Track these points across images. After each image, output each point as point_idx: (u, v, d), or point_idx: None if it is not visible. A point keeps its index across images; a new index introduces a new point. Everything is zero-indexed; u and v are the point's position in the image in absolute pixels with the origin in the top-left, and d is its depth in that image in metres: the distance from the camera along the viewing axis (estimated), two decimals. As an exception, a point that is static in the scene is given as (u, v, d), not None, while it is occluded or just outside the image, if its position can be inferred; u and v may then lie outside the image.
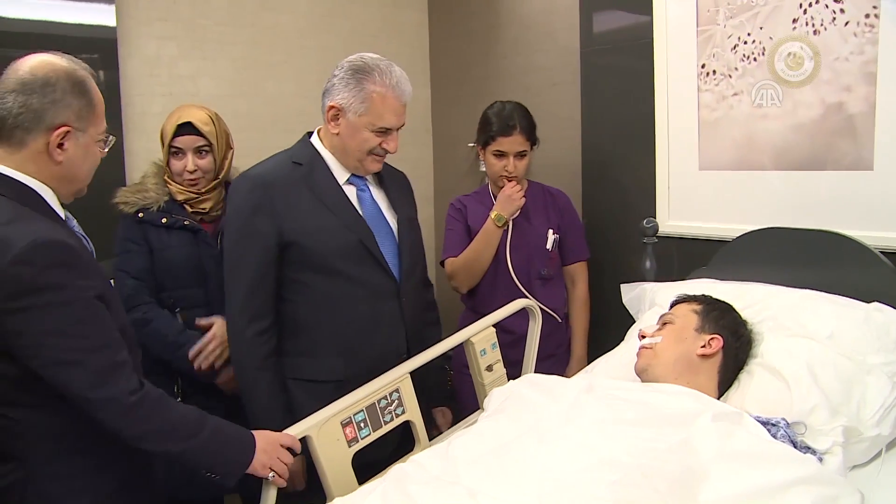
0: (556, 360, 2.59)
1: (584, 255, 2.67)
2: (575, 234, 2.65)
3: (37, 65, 1.46)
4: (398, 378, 1.87)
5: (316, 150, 2.02)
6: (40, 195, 1.48)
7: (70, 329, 1.40)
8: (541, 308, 2.39)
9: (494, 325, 2.10)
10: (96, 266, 1.52)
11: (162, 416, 1.50)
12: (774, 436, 1.51)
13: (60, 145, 1.47)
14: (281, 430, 1.69)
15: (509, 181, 2.52)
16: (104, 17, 2.82)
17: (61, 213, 1.54)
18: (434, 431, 2.17)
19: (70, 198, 1.58)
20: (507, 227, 2.54)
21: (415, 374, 1.94)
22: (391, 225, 2.06)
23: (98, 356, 1.42)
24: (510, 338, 2.40)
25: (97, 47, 2.81)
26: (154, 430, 1.49)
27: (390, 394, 1.86)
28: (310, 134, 2.07)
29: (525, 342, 2.29)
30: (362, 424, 1.80)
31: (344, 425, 1.77)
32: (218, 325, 2.20)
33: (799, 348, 1.73)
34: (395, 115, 1.95)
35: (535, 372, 2.11)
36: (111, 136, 1.60)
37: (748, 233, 2.24)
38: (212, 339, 2.20)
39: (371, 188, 2.07)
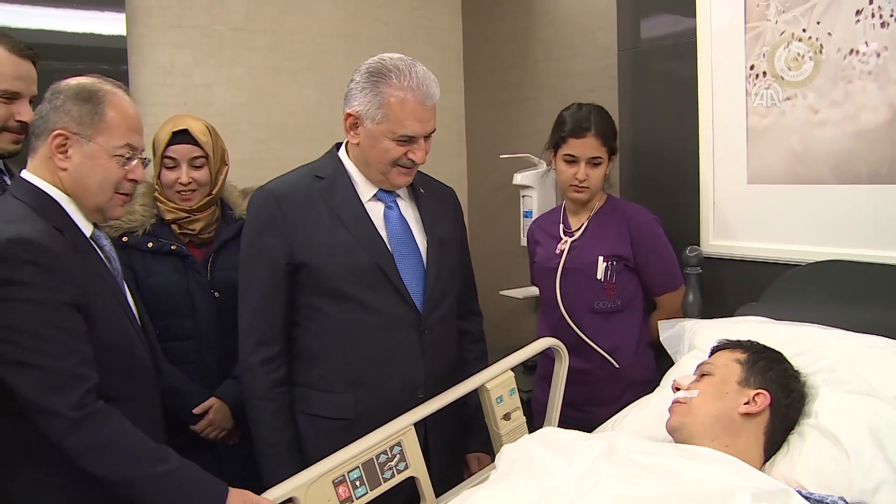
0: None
1: (671, 285, 2.25)
2: (657, 262, 2.23)
3: (61, 82, 1.52)
4: (400, 430, 1.67)
5: (341, 162, 1.86)
6: (56, 201, 1.49)
7: (29, 328, 1.35)
8: (594, 349, 2.19)
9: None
10: (89, 276, 1.46)
11: (111, 434, 1.39)
12: (830, 518, 1.27)
13: (64, 151, 1.48)
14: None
15: (579, 191, 2.22)
16: (114, 26, 2.73)
17: (84, 224, 1.53)
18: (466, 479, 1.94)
19: (96, 215, 1.56)
20: (563, 251, 2.27)
21: (450, 416, 1.81)
22: (420, 247, 1.86)
23: (54, 362, 1.36)
24: (578, 376, 2.16)
25: (106, 57, 2.71)
26: (100, 447, 1.37)
27: (391, 448, 1.65)
28: (339, 146, 1.91)
29: (592, 382, 2.17)
30: (358, 483, 1.61)
31: (336, 484, 1.58)
32: (214, 409, 2.08)
33: (861, 408, 1.44)
34: (418, 121, 1.74)
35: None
36: (147, 157, 1.60)
37: (806, 265, 1.98)
38: (209, 424, 2.08)
39: (401, 205, 1.88)
